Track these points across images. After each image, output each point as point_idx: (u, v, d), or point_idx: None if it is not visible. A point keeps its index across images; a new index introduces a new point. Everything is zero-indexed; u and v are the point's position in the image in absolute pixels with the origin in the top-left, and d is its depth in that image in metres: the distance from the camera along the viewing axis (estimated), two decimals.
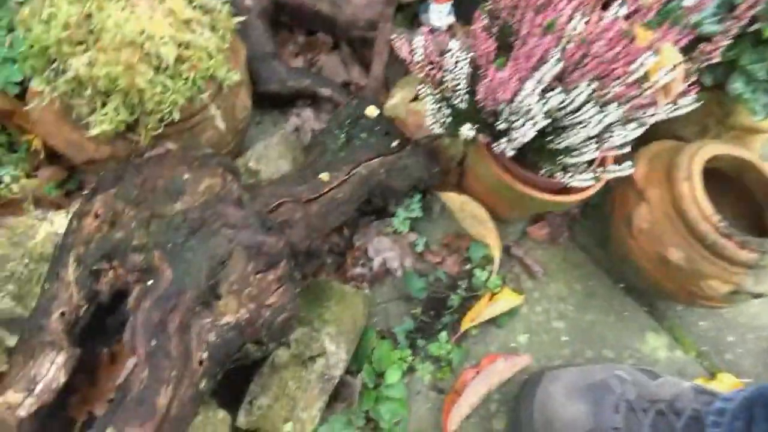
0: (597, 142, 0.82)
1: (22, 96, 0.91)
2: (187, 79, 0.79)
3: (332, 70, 1.20)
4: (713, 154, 1.02)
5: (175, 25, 0.79)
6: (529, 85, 0.78)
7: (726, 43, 0.85)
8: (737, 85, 0.98)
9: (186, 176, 0.68)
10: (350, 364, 0.94)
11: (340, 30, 1.11)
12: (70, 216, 0.80)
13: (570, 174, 0.89)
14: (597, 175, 0.84)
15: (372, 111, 1.03)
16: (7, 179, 0.90)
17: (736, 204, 1.14)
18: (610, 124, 0.81)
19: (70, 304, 0.66)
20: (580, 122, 0.81)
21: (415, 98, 1.20)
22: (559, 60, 0.73)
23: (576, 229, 1.21)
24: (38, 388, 0.60)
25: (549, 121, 0.81)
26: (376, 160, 0.97)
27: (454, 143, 1.15)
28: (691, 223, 0.96)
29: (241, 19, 1.04)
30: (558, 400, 0.92)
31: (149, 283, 0.63)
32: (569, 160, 0.88)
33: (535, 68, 0.77)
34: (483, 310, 1.03)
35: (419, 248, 1.08)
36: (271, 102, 1.16)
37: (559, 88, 0.78)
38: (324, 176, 0.91)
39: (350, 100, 1.05)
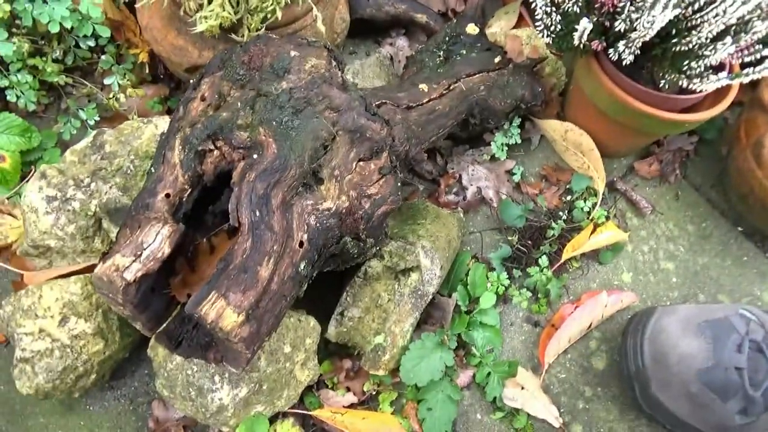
0: (734, 35, 0.73)
1: (131, 6, 0.93)
2: None
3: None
4: None
5: None
6: None
7: None
8: None
9: (293, 53, 0.66)
10: (443, 287, 0.91)
11: None
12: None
13: (697, 81, 0.80)
14: (735, 74, 0.75)
15: (473, 28, 0.98)
16: (115, 87, 0.92)
17: None
18: (748, 14, 0.72)
19: (175, 186, 0.66)
20: (714, 14, 0.72)
21: (514, 27, 1.15)
22: None
23: (689, 168, 1.11)
24: (144, 254, 0.60)
25: (677, 11, 0.73)
26: (477, 75, 0.92)
27: (557, 72, 1.08)
28: None
29: None
30: (673, 332, 0.83)
31: (254, 156, 0.62)
32: (696, 65, 0.79)
33: None
34: (585, 241, 0.95)
35: (516, 178, 1.03)
36: (366, 29, 1.14)
37: None
38: (423, 87, 0.87)
39: (450, 22, 1.00)
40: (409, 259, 0.82)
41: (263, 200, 0.60)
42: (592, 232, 0.97)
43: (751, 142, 0.95)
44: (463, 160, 1.04)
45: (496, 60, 0.94)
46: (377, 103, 0.77)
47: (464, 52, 0.94)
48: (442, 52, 0.96)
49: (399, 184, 0.69)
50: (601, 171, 1.02)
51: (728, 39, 0.73)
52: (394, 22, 1.12)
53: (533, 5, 0.84)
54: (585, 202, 1.01)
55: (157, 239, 0.61)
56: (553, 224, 0.96)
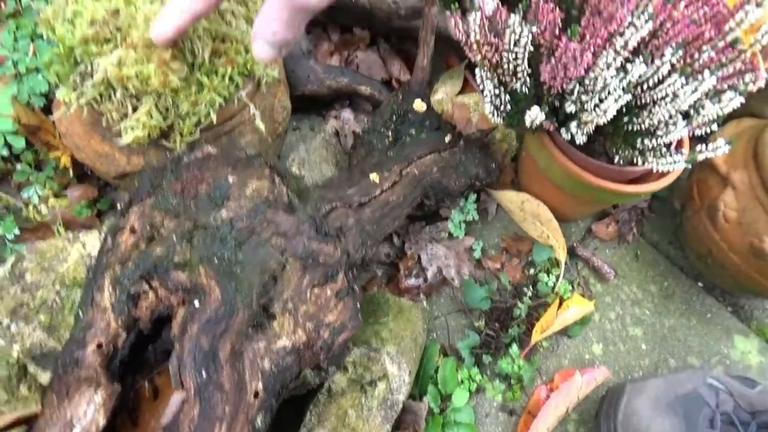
0: (685, 119, 0.72)
1: (47, 109, 0.85)
2: (224, 75, 0.72)
3: (371, 68, 1.12)
4: None
5: (209, 17, 0.71)
6: (607, 56, 0.68)
7: None
8: None
9: (231, 179, 0.59)
10: (412, 389, 0.85)
11: (380, 22, 1.03)
12: (103, 235, 0.72)
13: (650, 159, 0.79)
14: (689, 156, 0.73)
15: (420, 105, 0.95)
16: (35, 200, 0.83)
17: None
18: (701, 98, 0.71)
19: (107, 333, 0.58)
20: (665, 96, 0.71)
21: (461, 92, 1.12)
22: (648, 20, 0.63)
23: (645, 225, 1.10)
24: None
25: (629, 98, 0.71)
26: (428, 156, 0.88)
27: (507, 137, 1.05)
28: None
29: None
30: (644, 415, 0.81)
31: (195, 304, 0.55)
32: (650, 143, 0.78)
33: (614, 35, 0.67)
34: (553, 320, 0.92)
35: (477, 254, 0.99)
36: (307, 105, 1.09)
37: (640, 59, 0.69)
38: (374, 177, 0.82)
39: (395, 95, 0.96)
40: (375, 369, 0.76)
41: (209, 356, 0.53)
42: (559, 307, 0.94)
43: (705, 204, 0.95)
44: (421, 238, 0.99)
45: (447, 139, 0.90)
46: (327, 208, 0.72)
47: (413, 132, 0.90)
48: (390, 132, 0.92)
49: (358, 305, 0.64)
50: (561, 240, 0.99)
51: (681, 121, 0.72)
52: (337, 95, 1.08)
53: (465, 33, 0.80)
54: (548, 274, 0.98)
55: (90, 410, 0.53)
56: (519, 304, 0.93)
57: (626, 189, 0.86)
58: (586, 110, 0.76)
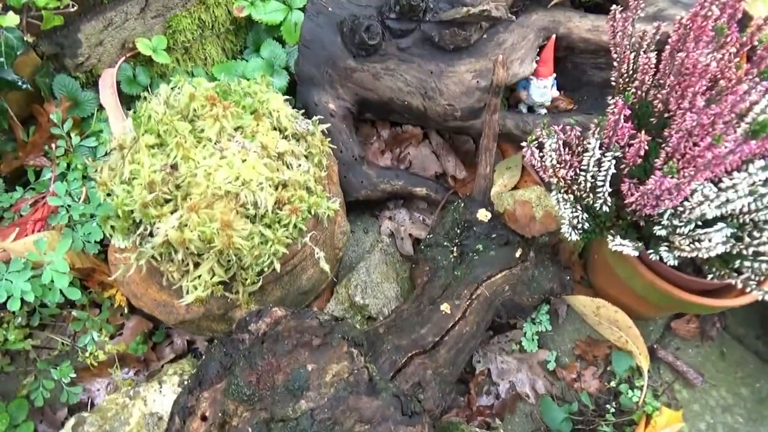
0: None
1: (102, 250, 0.82)
2: (287, 224, 0.68)
3: (423, 163, 1.07)
4: None
5: (271, 163, 0.68)
6: (706, 189, 0.62)
7: None
8: None
9: (309, 367, 0.55)
10: None
11: (434, 122, 0.99)
12: (163, 392, 0.69)
13: (752, 283, 0.71)
14: None
15: (484, 215, 0.89)
16: (91, 347, 0.79)
17: None
18: None
19: None
20: None
21: (518, 184, 1.07)
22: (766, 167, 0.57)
23: (729, 318, 1.02)
24: None
25: (731, 231, 0.65)
26: (499, 275, 0.83)
27: None
28: None
29: (325, 126, 0.93)
30: None
31: None
32: (751, 264, 0.71)
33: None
34: None
35: (551, 365, 0.92)
36: (360, 206, 1.05)
37: (747, 189, 0.62)
38: (445, 307, 0.77)
39: (456, 203, 0.91)
40: None
41: None
42: (646, 426, 0.87)
43: None
44: (490, 351, 0.93)
45: (517, 254, 0.85)
46: (403, 361, 0.66)
47: (480, 247, 0.85)
48: (455, 248, 0.86)
49: None
50: (642, 347, 0.92)
51: None
52: (391, 196, 1.03)
53: (541, 158, 0.75)
54: (630, 386, 0.90)
55: None
56: (603, 425, 0.86)
57: (718, 303, 0.78)
58: (679, 234, 0.70)
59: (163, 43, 0.90)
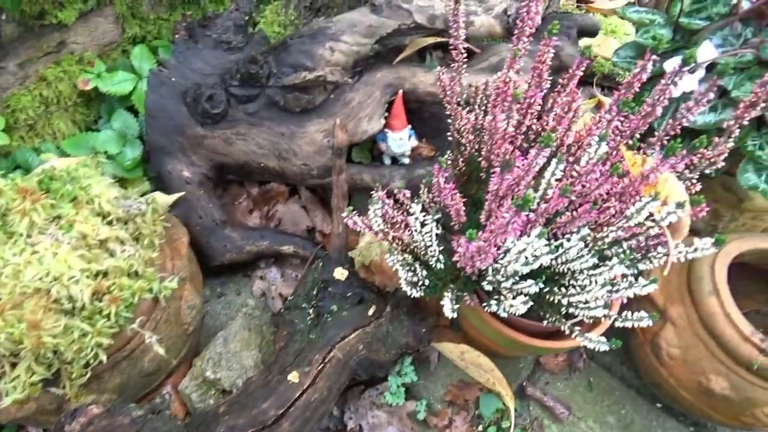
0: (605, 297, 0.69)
1: None
2: (108, 315, 0.66)
3: (293, 219, 1.08)
4: (737, 253, 0.89)
5: (88, 253, 0.67)
6: (510, 253, 0.65)
7: (729, 146, 0.72)
8: (749, 176, 0.86)
9: None
10: None
11: (294, 181, 1.00)
12: None
13: (576, 333, 0.75)
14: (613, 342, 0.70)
15: (341, 273, 0.90)
16: None
17: None
18: (615, 278, 0.68)
19: None
20: (582, 285, 0.68)
21: None
22: (542, 234, 0.60)
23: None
24: None
25: (538, 288, 0.68)
26: (353, 335, 0.84)
27: None
28: (729, 346, 0.82)
29: (176, 196, 0.93)
30: None
31: None
32: (575, 312, 0.74)
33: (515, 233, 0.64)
34: None
35: (421, 415, 0.93)
36: (231, 268, 1.04)
37: (546, 249, 0.66)
38: (293, 376, 0.77)
39: (316, 265, 0.92)
40: None
41: None
42: None
43: (648, 338, 0.91)
44: (361, 406, 0.94)
45: (371, 312, 0.86)
46: None
47: (335, 308, 0.86)
48: (312, 310, 0.87)
49: None
50: (508, 390, 0.94)
51: (599, 300, 0.69)
52: (259, 257, 1.03)
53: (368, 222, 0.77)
54: (499, 431, 0.93)
55: None
56: None
57: (559, 345, 0.82)
58: (503, 290, 0.72)
59: (1, 124, 0.88)
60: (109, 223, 0.72)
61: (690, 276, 0.88)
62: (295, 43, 0.90)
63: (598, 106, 1.35)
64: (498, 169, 0.65)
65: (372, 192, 0.73)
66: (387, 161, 1.09)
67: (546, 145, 0.61)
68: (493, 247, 0.65)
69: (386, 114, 0.98)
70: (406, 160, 1.08)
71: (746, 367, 0.81)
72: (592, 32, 1.08)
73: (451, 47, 0.78)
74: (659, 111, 0.67)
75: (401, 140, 1.03)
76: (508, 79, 0.71)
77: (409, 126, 1.04)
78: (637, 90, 0.69)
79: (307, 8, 1.23)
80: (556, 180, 0.65)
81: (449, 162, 0.80)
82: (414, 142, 1.06)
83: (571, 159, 0.71)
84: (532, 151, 0.63)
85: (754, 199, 0.97)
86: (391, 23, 0.90)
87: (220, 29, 0.91)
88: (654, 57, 0.67)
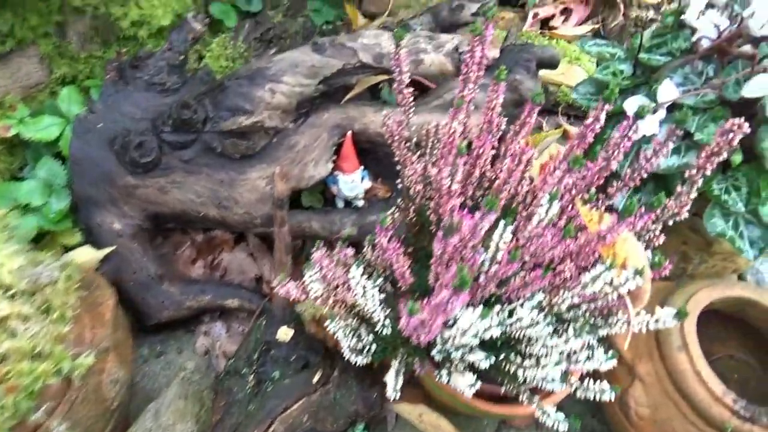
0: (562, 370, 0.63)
1: None
2: (2, 407, 0.59)
3: (240, 268, 1.01)
4: (707, 303, 0.84)
5: None
6: (456, 327, 0.59)
7: (692, 197, 0.67)
8: (716, 221, 0.81)
9: None
10: None
11: (237, 230, 0.93)
12: None
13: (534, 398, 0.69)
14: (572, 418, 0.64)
15: (284, 333, 0.83)
16: None
17: (743, 336, 0.96)
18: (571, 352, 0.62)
19: None
20: (538, 356, 0.62)
21: None
22: (484, 315, 0.54)
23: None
24: None
25: (491, 361, 0.62)
26: (296, 405, 0.77)
27: None
28: (700, 407, 0.77)
29: (106, 251, 0.85)
30: None
31: None
32: (533, 379, 0.68)
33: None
34: None
35: None
36: (174, 323, 0.96)
37: (496, 320, 0.60)
38: None
39: (259, 324, 0.85)
40: None
41: None
42: None
43: (616, 396, 0.85)
44: None
45: (316, 378, 0.79)
46: None
47: (277, 375, 0.79)
48: (252, 376, 0.80)
49: None
50: None
51: (553, 371, 0.63)
52: (201, 312, 0.96)
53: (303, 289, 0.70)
54: None
55: None
56: None
57: (514, 411, 0.76)
58: (454, 360, 0.66)
59: None
60: (12, 296, 0.64)
61: (658, 329, 0.83)
62: (233, 85, 0.84)
63: (565, 135, 1.31)
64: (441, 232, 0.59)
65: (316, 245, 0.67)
66: (340, 204, 1.03)
67: (490, 208, 0.55)
68: (438, 320, 0.59)
69: (335, 157, 0.92)
70: (361, 203, 1.02)
71: (719, 429, 0.76)
72: (551, 65, 1.03)
73: (395, 91, 0.73)
74: (614, 165, 0.62)
75: (353, 183, 0.97)
76: (452, 130, 0.65)
77: (362, 167, 0.98)
78: (591, 140, 0.64)
79: (257, 40, 1.17)
80: (505, 242, 0.59)
81: (401, 209, 0.75)
82: (367, 184, 1.00)
83: (524, 213, 0.65)
84: (477, 213, 0.57)
85: (723, 242, 0.92)
86: (335, 63, 0.84)
87: (152, 70, 0.85)
88: (607, 106, 0.62)
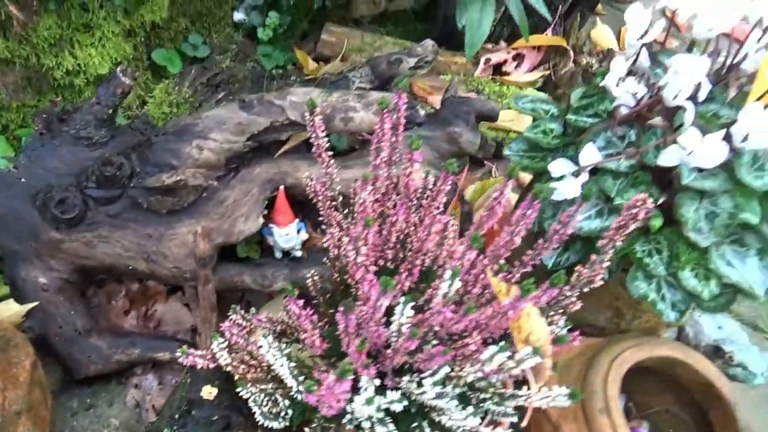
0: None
1: None
2: None
3: (175, 319, 1.00)
4: (633, 363, 0.84)
5: None
6: (356, 402, 0.59)
7: (606, 265, 0.67)
8: (639, 284, 0.81)
9: None
10: None
11: (168, 283, 0.92)
12: None
13: None
14: None
15: (209, 392, 0.82)
16: None
17: (677, 391, 0.96)
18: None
19: None
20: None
21: None
22: (369, 401, 0.54)
23: None
24: None
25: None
26: None
27: None
28: None
29: (28, 307, 0.84)
30: None
31: None
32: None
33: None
34: None
35: None
36: (104, 376, 0.95)
37: (397, 395, 0.59)
38: None
39: (184, 381, 0.84)
40: None
41: None
42: None
43: None
44: None
45: None
46: None
47: None
48: None
49: None
50: None
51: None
52: (131, 366, 0.94)
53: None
54: None
55: None
56: None
57: None
58: (364, 429, 0.65)
59: None
60: None
61: (584, 388, 0.83)
62: (160, 141, 0.84)
63: (517, 181, 1.32)
64: (341, 308, 0.59)
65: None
66: (278, 254, 1.02)
67: (385, 290, 0.55)
68: (333, 400, 0.58)
69: (266, 212, 0.91)
70: (299, 254, 1.01)
71: None
72: (491, 117, 1.04)
73: (315, 155, 0.73)
74: (518, 241, 0.63)
75: (288, 235, 0.96)
76: (361, 200, 0.66)
77: (298, 219, 0.97)
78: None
79: (204, 85, 1.17)
80: (408, 318, 0.59)
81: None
82: (305, 235, 0.99)
83: (431, 289, 0.65)
84: (373, 293, 0.57)
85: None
86: (263, 121, 0.84)
87: (78, 124, 0.84)
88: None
